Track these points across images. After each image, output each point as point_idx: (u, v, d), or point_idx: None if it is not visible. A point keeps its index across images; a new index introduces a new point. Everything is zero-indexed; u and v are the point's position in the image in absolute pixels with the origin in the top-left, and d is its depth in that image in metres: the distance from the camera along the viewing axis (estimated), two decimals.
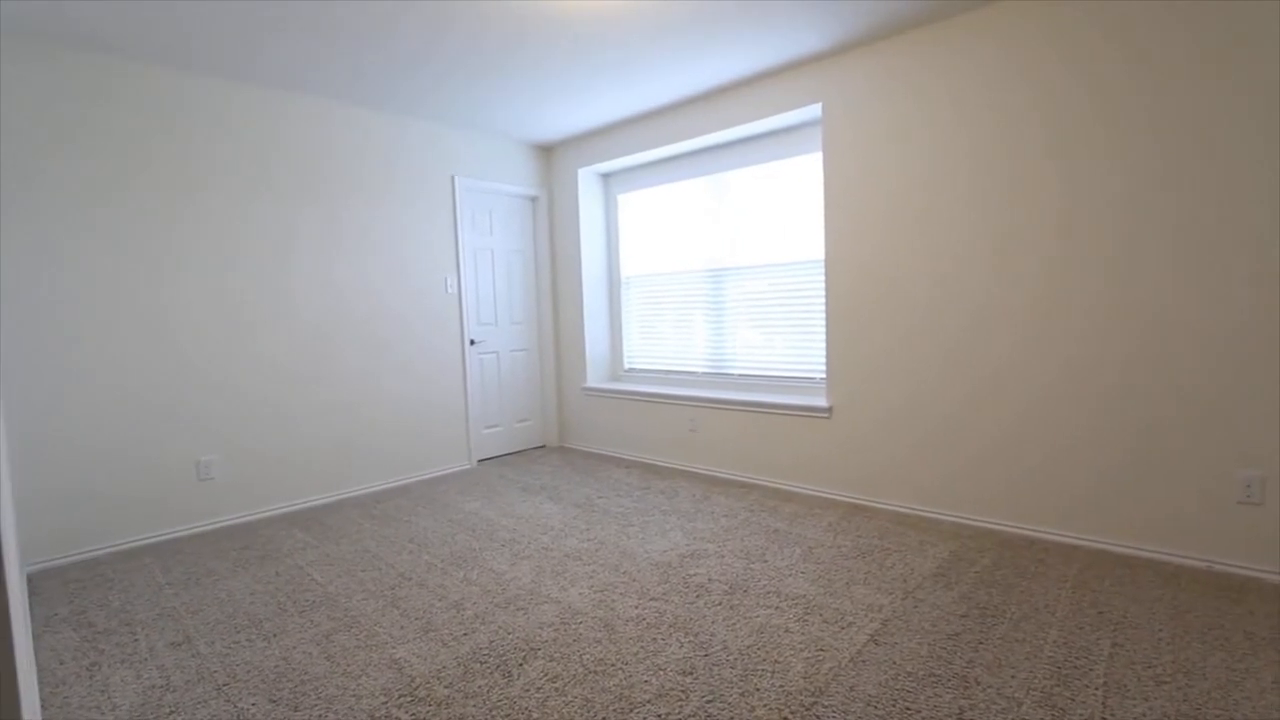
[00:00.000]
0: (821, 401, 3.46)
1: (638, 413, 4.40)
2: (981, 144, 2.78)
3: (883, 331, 3.16)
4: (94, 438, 2.90)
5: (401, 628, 2.12)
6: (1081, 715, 1.56)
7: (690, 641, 1.96)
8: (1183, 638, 1.90)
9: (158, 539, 3.08)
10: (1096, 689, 1.66)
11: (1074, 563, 2.46)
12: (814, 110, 3.39)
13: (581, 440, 4.85)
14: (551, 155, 4.82)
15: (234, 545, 2.99)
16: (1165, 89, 2.34)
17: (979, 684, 1.70)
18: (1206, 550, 2.37)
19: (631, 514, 3.25)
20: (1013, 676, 1.73)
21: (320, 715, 1.66)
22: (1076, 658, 1.81)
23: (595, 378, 4.79)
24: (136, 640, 2.10)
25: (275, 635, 2.10)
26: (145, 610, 2.32)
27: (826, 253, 3.33)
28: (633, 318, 4.75)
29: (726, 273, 4.09)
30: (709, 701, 1.66)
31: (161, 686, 1.82)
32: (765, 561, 2.58)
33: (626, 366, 4.81)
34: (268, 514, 3.44)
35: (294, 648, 2.01)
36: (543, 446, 4.99)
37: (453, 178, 4.21)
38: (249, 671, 1.88)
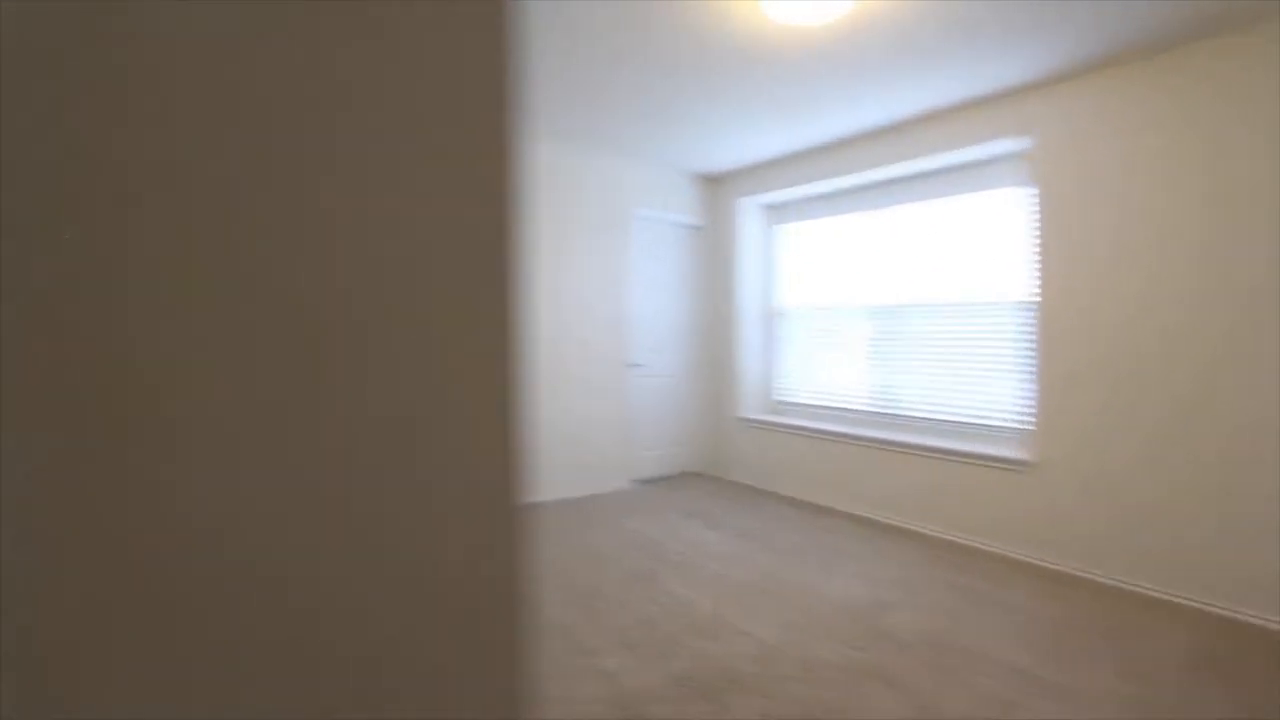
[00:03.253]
0: (1017, 453, 3.19)
1: (794, 447, 4.29)
2: (1222, 182, 2.47)
3: (1100, 382, 2.86)
4: None
5: (602, 639, 2.18)
6: None
7: (906, 701, 1.85)
8: None
9: None
10: None
11: None
12: (1010, 144, 3.19)
13: (731, 470, 4.80)
14: (717, 186, 4.91)
15: None
16: None
17: None
18: None
19: (798, 550, 3.15)
20: None
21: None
22: None
23: (749, 408, 4.74)
24: None
25: None
26: None
27: (1040, 295, 3.08)
28: (790, 350, 4.68)
29: (898, 309, 3.91)
30: None
31: None
32: (962, 621, 2.39)
33: (781, 399, 4.72)
34: None
35: None
36: (694, 474, 4.99)
37: (629, 208, 4.39)
38: None
